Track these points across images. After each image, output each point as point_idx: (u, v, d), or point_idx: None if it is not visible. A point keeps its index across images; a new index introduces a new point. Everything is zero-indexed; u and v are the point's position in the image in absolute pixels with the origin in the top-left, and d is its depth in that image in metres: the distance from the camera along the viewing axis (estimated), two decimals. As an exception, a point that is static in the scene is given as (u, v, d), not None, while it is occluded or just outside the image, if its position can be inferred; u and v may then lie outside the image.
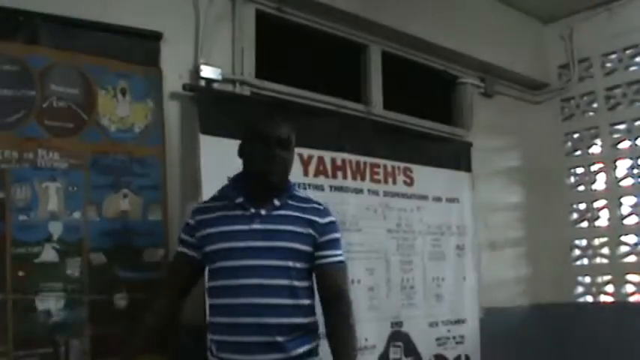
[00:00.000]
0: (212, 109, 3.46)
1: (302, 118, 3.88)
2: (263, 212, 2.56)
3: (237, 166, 3.22)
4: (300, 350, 2.52)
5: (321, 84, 4.25)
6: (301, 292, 2.56)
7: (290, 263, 2.53)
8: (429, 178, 4.58)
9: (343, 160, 4.07)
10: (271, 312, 2.47)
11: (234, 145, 3.37)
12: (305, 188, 3.75)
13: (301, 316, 2.55)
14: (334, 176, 4.00)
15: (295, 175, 3.67)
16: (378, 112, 4.57)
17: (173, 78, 3.42)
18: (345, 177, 4.06)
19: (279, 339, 2.46)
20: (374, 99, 4.59)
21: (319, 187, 3.87)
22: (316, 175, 3.88)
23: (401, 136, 4.57)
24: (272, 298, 2.48)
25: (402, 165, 4.45)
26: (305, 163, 3.85)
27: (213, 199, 2.70)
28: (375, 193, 4.25)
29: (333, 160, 4.00)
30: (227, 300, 2.51)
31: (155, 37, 3.32)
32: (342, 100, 4.34)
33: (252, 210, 2.55)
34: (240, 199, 2.57)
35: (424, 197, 4.54)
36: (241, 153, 2.68)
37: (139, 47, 3.27)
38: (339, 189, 4.01)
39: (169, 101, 3.40)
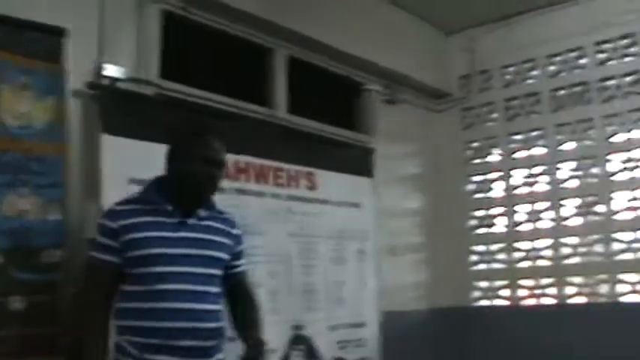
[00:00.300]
0: (115, 108, 3.40)
1: (205, 120, 3.88)
2: (189, 221, 2.64)
3: (138, 166, 3.22)
4: (220, 356, 2.66)
5: (226, 86, 4.23)
6: (220, 299, 2.70)
7: (213, 271, 2.66)
8: (331, 182, 4.61)
9: (246, 163, 4.05)
10: (206, 317, 2.58)
11: (136, 145, 3.38)
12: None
13: (222, 320, 2.68)
14: (237, 179, 3.97)
15: (197, 177, 3.66)
16: (282, 116, 4.57)
17: (76, 75, 3.31)
18: (247, 180, 4.05)
19: (209, 344, 2.58)
20: (278, 103, 4.60)
21: (221, 190, 3.84)
22: (219, 178, 3.86)
23: (305, 141, 4.58)
24: (204, 304, 2.58)
25: (305, 169, 4.46)
26: (207, 166, 3.82)
27: (133, 201, 2.67)
28: (278, 196, 4.24)
29: (236, 163, 3.97)
30: (156, 304, 2.52)
31: (59, 33, 3.22)
32: (246, 103, 4.33)
33: (179, 218, 2.62)
34: (168, 207, 2.61)
35: (326, 202, 4.57)
36: (174, 163, 2.71)
37: (43, 43, 3.16)
38: (242, 192, 3.99)
39: (72, 99, 3.29)
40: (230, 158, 3.87)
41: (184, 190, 2.65)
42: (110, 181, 3.27)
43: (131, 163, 3.41)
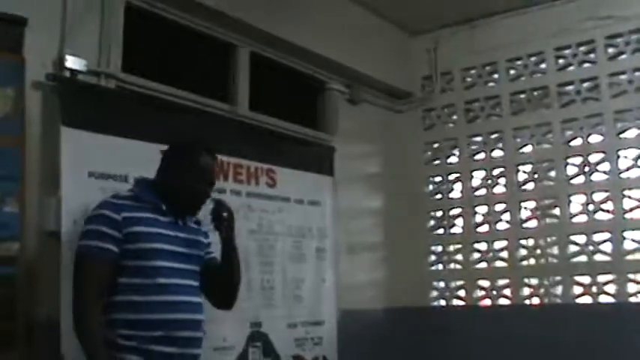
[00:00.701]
0: (75, 100, 3.35)
1: (166, 114, 3.86)
2: (180, 223, 2.83)
3: (98, 159, 3.23)
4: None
5: (189, 81, 4.20)
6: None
7: (197, 268, 2.86)
8: (291, 180, 4.61)
9: (206, 159, 4.03)
10: (198, 309, 2.78)
11: (96, 138, 3.36)
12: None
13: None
14: (197, 175, 3.95)
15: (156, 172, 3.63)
16: (243, 113, 4.55)
17: (36, 66, 3.26)
18: (207, 176, 4.03)
19: (199, 334, 2.78)
20: (240, 99, 4.57)
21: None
22: (177, 172, 3.83)
23: (266, 138, 4.58)
24: (196, 297, 2.80)
25: (266, 166, 4.46)
26: (168, 161, 3.79)
27: (127, 198, 2.77)
28: (238, 193, 4.23)
29: (197, 159, 3.96)
30: (157, 297, 2.63)
31: (19, 22, 3.15)
32: (208, 98, 4.30)
33: (173, 218, 2.80)
34: (164, 207, 2.77)
35: (286, 199, 4.57)
36: (174, 173, 2.85)
37: (2, 32, 3.10)
38: (202, 188, 3.97)
39: (31, 90, 3.24)
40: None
41: (179, 201, 2.82)
42: (69, 174, 3.24)
43: (91, 157, 3.39)
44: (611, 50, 5.16)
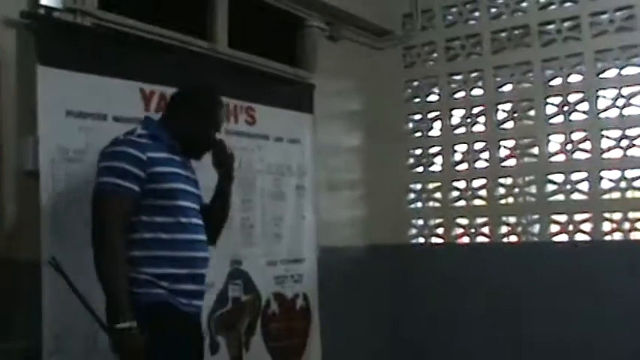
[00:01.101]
0: (51, 39, 3.31)
1: (145, 52, 3.81)
2: (187, 164, 2.96)
3: (75, 98, 3.22)
4: None
5: (167, 18, 4.12)
6: None
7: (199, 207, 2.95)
8: (271, 118, 4.59)
9: (185, 97, 4.00)
10: (207, 248, 2.94)
11: (73, 77, 3.33)
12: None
13: None
14: (175, 113, 3.92)
15: (136, 110, 3.62)
16: (222, 50, 4.49)
17: (10, 4, 3.21)
18: (186, 114, 4.00)
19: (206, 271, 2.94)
20: (219, 36, 4.50)
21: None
22: (158, 111, 3.75)
23: (245, 75, 4.54)
24: (205, 236, 2.92)
25: (245, 104, 4.43)
26: (147, 99, 3.76)
27: (144, 136, 2.79)
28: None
29: (175, 97, 3.93)
30: (181, 235, 2.75)
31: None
32: (186, 36, 4.24)
33: (180, 158, 2.88)
34: (173, 143, 2.85)
35: (265, 137, 4.56)
36: (191, 119, 2.93)
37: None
38: (180, 126, 3.94)
39: (5, 29, 3.20)
40: (168, 92, 3.82)
41: (190, 146, 2.93)
42: (47, 113, 3.23)
43: (68, 95, 3.37)
44: (592, -11, 5.14)
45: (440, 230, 5.71)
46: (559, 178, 5.15)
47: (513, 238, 5.36)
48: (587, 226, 5.02)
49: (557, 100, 5.19)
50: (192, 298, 2.81)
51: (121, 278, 2.55)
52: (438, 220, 5.74)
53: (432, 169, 5.79)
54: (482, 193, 5.50)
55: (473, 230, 5.52)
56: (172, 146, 2.83)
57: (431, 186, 5.80)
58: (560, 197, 5.13)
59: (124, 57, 3.66)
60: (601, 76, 5.05)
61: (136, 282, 2.62)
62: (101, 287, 2.55)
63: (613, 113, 4.98)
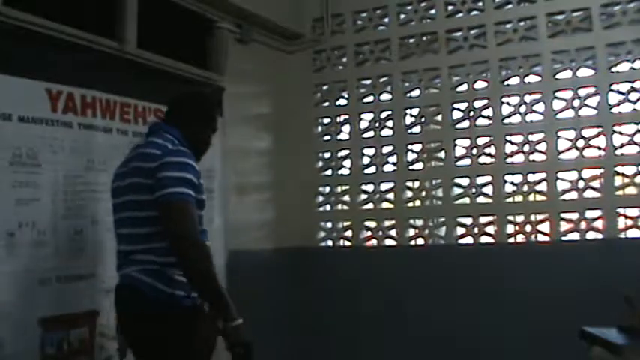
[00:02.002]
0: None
1: (52, 51, 3.69)
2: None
3: None
4: None
5: (75, 18, 3.97)
6: None
7: None
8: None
9: (93, 98, 3.89)
10: None
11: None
12: (53, 125, 3.58)
13: None
14: (84, 114, 3.81)
15: (43, 110, 3.51)
16: (131, 51, 4.38)
17: None
18: (94, 115, 3.89)
19: None
20: (128, 37, 4.38)
21: (68, 125, 3.68)
22: (65, 111, 3.68)
23: (154, 77, 4.45)
24: None
25: (154, 106, 4.34)
26: (53, 99, 3.63)
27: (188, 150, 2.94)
28: (125, 133, 4.12)
29: (83, 98, 3.82)
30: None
31: None
32: (95, 35, 4.11)
33: None
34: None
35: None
36: (197, 126, 3.09)
37: None
38: (89, 127, 3.84)
39: None
40: (76, 92, 3.76)
41: (198, 150, 3.07)
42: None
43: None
44: (497, 0, 5.30)
45: (348, 233, 5.76)
46: (465, 181, 5.28)
47: (420, 241, 5.47)
48: (491, 229, 5.17)
49: (464, 105, 5.34)
50: None
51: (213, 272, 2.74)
52: (346, 223, 5.80)
53: (340, 172, 5.84)
54: (390, 196, 5.58)
55: (380, 233, 5.59)
56: (193, 157, 2.93)
57: (339, 189, 5.85)
58: (466, 200, 5.27)
59: (29, 56, 3.53)
60: (505, 83, 5.21)
61: (174, 283, 2.75)
62: (206, 289, 2.73)
63: (516, 119, 5.15)
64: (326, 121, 5.95)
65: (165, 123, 3.08)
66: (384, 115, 5.66)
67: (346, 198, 5.79)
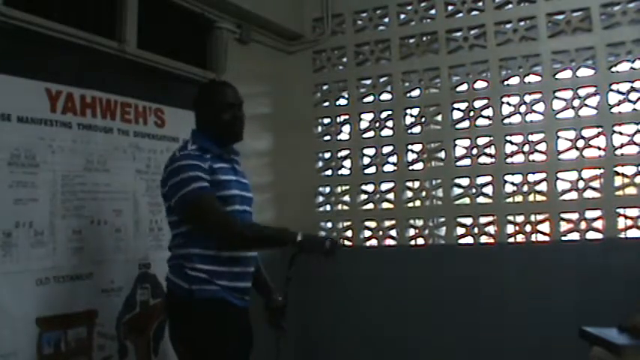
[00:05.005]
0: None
1: (52, 51, 3.69)
2: (236, 166, 3.19)
3: None
4: None
5: (76, 18, 3.97)
6: None
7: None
8: (180, 120, 4.49)
9: (93, 98, 3.89)
10: None
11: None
12: (52, 125, 3.58)
13: None
14: (83, 114, 3.81)
15: (42, 111, 3.51)
16: (132, 51, 4.37)
17: None
18: (94, 115, 3.89)
19: None
20: (129, 37, 4.37)
21: (67, 125, 3.68)
22: (64, 112, 3.68)
23: (154, 77, 4.46)
24: None
25: (154, 106, 4.36)
26: (53, 99, 3.62)
27: (200, 149, 3.03)
28: (125, 133, 4.12)
29: (83, 98, 3.81)
30: None
31: None
32: (95, 35, 4.11)
33: (229, 164, 3.13)
34: (220, 152, 3.09)
35: (175, 139, 4.46)
36: (204, 115, 3.19)
37: None
38: (88, 127, 3.83)
39: None
40: (75, 92, 3.75)
41: (225, 136, 3.15)
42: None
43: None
44: (497, 0, 5.30)
45: (348, 233, 5.75)
46: (465, 181, 5.28)
47: (420, 241, 5.47)
48: (491, 229, 5.16)
49: (464, 105, 5.33)
50: (244, 294, 3.08)
51: (259, 227, 3.08)
52: (346, 223, 5.79)
53: (340, 172, 5.84)
54: (390, 196, 5.57)
55: (380, 233, 5.58)
56: (221, 155, 3.08)
57: (339, 189, 5.84)
58: (466, 200, 5.26)
59: (29, 56, 3.54)
60: (505, 82, 5.20)
61: (190, 278, 2.93)
62: (264, 246, 3.18)
63: (516, 119, 5.14)
64: (326, 121, 5.95)
65: (196, 129, 3.24)
66: (384, 115, 5.65)
67: (346, 198, 5.79)
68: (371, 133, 5.72)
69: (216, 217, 2.90)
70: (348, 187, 5.78)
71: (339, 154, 5.84)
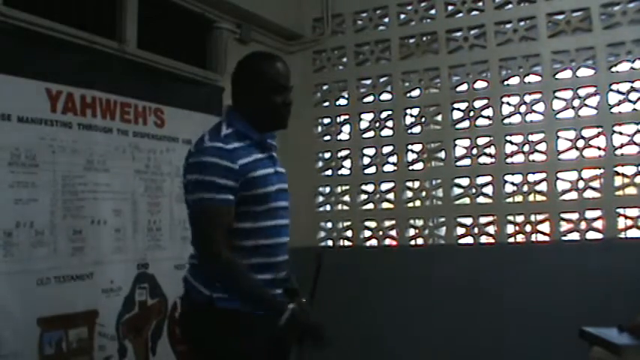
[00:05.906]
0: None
1: (52, 51, 3.70)
2: (274, 154, 2.79)
3: None
4: None
5: (76, 18, 3.98)
6: None
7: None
8: (180, 120, 4.53)
9: (93, 98, 3.90)
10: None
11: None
12: (52, 125, 3.58)
13: None
14: (83, 114, 3.82)
15: (42, 111, 3.51)
16: (131, 51, 4.38)
17: None
18: (94, 115, 3.90)
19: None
20: (129, 37, 4.38)
21: (67, 125, 3.69)
22: (64, 112, 3.69)
23: (154, 77, 4.47)
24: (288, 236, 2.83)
25: (154, 106, 4.37)
26: (53, 99, 3.64)
27: (232, 137, 2.63)
28: (125, 133, 4.13)
29: (83, 98, 3.83)
30: (274, 240, 2.70)
31: None
32: (95, 35, 4.11)
33: (267, 153, 2.73)
34: (260, 138, 2.70)
35: (174, 139, 4.49)
36: (253, 95, 2.69)
37: None
38: (88, 127, 3.85)
39: None
40: (75, 92, 3.75)
41: (269, 121, 2.73)
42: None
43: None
44: (497, 0, 5.30)
45: (348, 233, 5.76)
46: (465, 181, 5.28)
47: (420, 241, 5.47)
48: (490, 229, 5.16)
49: (464, 105, 5.33)
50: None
51: (253, 279, 2.59)
52: (346, 223, 5.79)
53: (340, 172, 5.84)
54: (390, 196, 5.57)
55: (380, 233, 5.58)
56: (257, 142, 2.69)
57: (340, 189, 5.84)
58: (466, 200, 5.26)
59: (29, 55, 3.54)
60: (505, 83, 5.20)
61: (212, 284, 2.59)
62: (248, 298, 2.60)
63: (516, 119, 5.14)
64: (326, 121, 5.95)
65: (233, 106, 2.81)
66: (384, 115, 5.65)
67: (346, 198, 5.78)
68: (371, 133, 5.72)
69: (212, 241, 2.52)
70: (348, 187, 5.78)
71: (339, 154, 5.84)
